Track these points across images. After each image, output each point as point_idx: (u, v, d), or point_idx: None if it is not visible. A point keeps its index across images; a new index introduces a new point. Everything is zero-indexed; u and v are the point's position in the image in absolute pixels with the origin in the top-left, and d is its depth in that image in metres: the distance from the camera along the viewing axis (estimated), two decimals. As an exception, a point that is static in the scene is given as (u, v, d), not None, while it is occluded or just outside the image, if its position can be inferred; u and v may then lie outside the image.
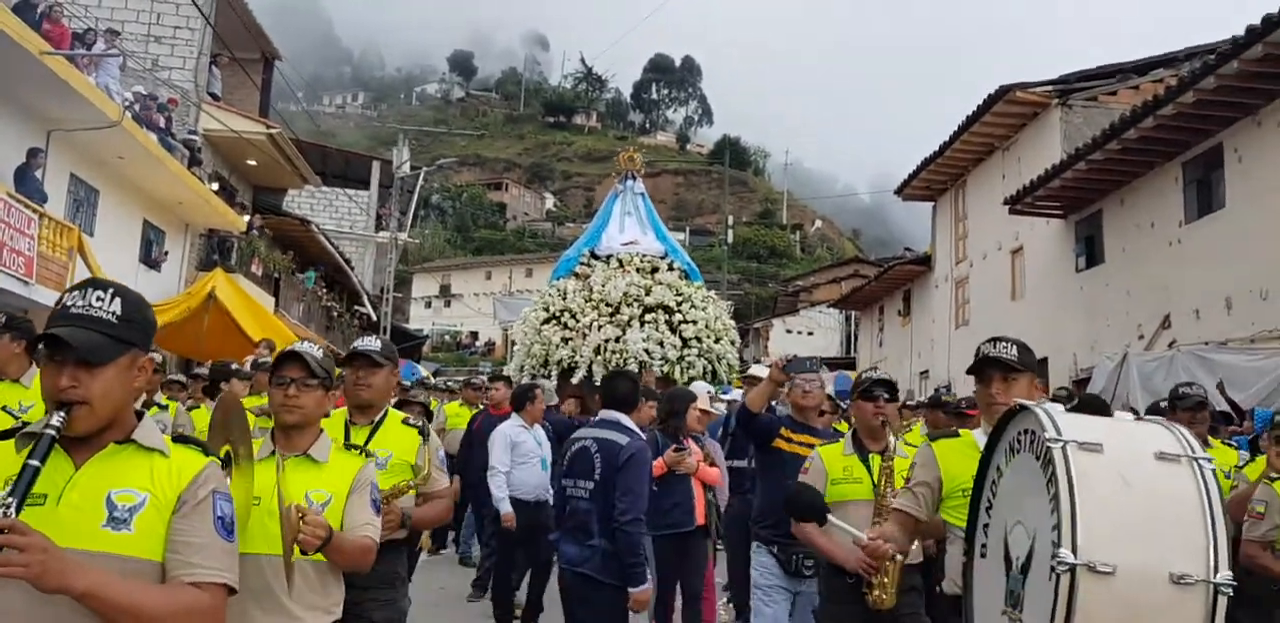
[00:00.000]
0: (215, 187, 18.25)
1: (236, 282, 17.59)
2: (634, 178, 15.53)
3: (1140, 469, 2.07)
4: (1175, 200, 14.04)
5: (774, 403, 6.18)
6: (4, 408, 4.43)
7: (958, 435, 3.34)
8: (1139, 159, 14.23)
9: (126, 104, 14.41)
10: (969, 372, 3.27)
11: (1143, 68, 17.72)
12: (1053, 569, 1.96)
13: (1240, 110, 12.33)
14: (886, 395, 4.26)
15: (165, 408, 6.94)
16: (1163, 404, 5.58)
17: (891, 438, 4.18)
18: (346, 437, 3.72)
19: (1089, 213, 16.38)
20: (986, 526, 2.48)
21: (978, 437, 3.17)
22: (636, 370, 11.78)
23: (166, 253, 17.12)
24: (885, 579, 3.83)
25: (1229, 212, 12.88)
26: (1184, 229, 13.82)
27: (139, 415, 2.12)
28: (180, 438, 2.16)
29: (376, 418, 3.85)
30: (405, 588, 3.90)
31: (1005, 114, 18.50)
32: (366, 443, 3.67)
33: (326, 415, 3.42)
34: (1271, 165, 12.00)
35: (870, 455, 4.22)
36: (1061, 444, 2.05)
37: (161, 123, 16.22)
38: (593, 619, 4.58)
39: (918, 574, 4.25)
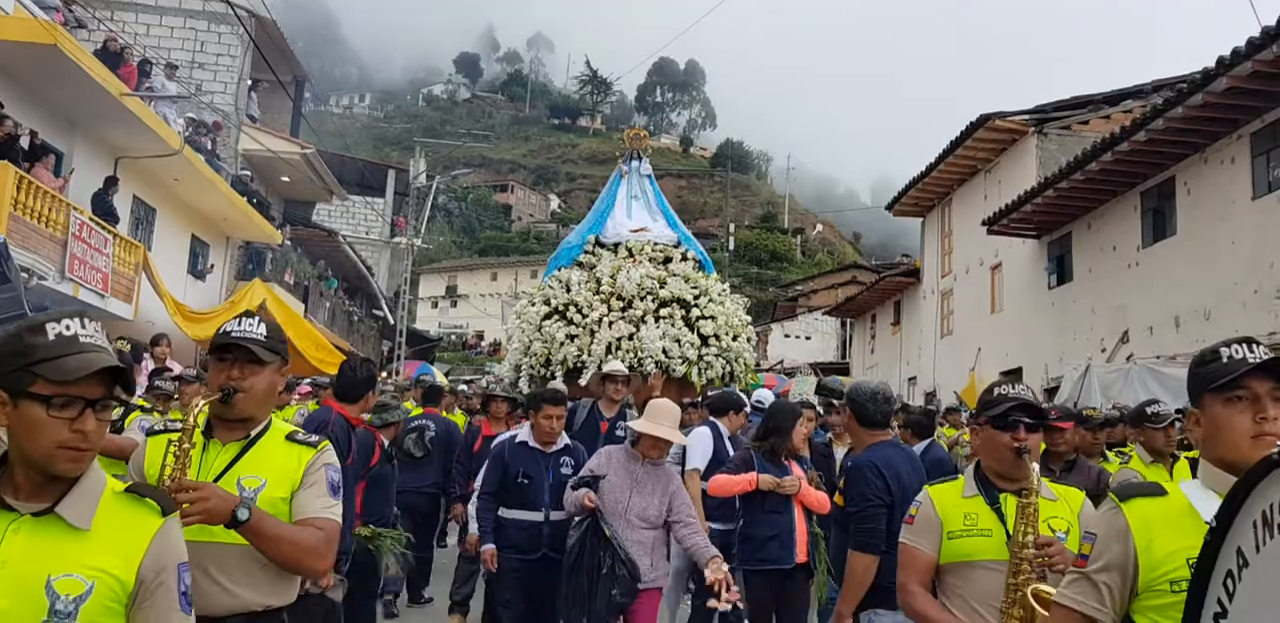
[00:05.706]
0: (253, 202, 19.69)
1: (273, 290, 19.01)
2: (639, 158, 13.96)
3: None
4: (1134, 226, 15.43)
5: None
6: None
7: (1163, 493, 2.16)
8: (1103, 188, 15.61)
9: (182, 132, 15.85)
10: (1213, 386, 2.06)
11: (1114, 98, 19.03)
12: None
13: (1189, 148, 13.75)
14: (1028, 421, 3.02)
15: (148, 411, 6.16)
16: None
17: (1034, 471, 2.88)
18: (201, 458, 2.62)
19: (1060, 235, 17.77)
20: None
21: (1193, 495, 2.09)
22: (651, 372, 11.23)
23: (212, 265, 18.55)
24: None
25: (1179, 239, 14.28)
26: (1141, 253, 15.21)
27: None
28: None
29: (253, 433, 2.68)
30: None
31: (986, 139, 19.84)
32: (231, 466, 2.61)
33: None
34: (1214, 198, 13.42)
35: (1002, 496, 3.02)
36: None
37: (208, 145, 17.65)
38: None
39: None
